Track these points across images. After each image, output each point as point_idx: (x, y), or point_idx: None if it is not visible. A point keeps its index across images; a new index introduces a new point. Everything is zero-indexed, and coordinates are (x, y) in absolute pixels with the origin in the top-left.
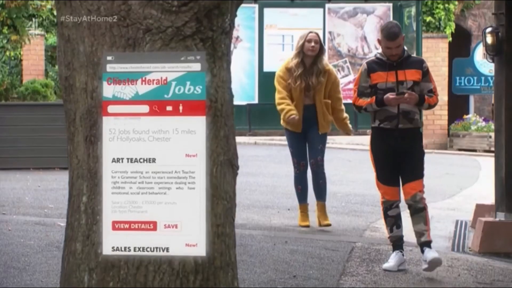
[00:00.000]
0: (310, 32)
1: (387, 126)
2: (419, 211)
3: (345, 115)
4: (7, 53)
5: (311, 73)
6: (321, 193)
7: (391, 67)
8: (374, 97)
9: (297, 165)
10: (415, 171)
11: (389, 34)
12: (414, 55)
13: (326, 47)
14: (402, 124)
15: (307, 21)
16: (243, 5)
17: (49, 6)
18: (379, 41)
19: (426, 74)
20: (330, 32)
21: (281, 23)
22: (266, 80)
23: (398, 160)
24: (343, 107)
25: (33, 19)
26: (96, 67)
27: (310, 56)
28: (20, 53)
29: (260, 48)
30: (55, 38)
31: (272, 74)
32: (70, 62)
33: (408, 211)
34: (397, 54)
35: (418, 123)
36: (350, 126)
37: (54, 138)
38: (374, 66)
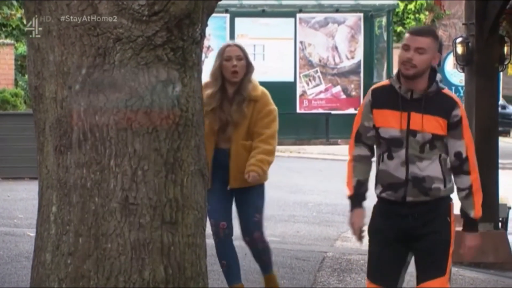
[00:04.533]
0: (228, 45)
1: (390, 198)
2: None
3: (261, 157)
4: None
5: (231, 104)
6: (266, 265)
7: (404, 103)
8: (352, 186)
9: (215, 228)
10: (437, 263)
11: (415, 28)
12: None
13: (297, 56)
14: (412, 197)
15: (278, 30)
16: (214, 14)
17: (19, 15)
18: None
19: (457, 125)
20: (301, 42)
21: (252, 32)
22: None
23: (406, 248)
24: (263, 146)
25: (3, 28)
26: (66, 76)
27: (234, 82)
28: None
29: None
30: (25, 47)
31: None
32: (39, 72)
33: None
34: (414, 66)
35: (439, 192)
36: (255, 174)
37: (23, 148)
38: (381, 97)
